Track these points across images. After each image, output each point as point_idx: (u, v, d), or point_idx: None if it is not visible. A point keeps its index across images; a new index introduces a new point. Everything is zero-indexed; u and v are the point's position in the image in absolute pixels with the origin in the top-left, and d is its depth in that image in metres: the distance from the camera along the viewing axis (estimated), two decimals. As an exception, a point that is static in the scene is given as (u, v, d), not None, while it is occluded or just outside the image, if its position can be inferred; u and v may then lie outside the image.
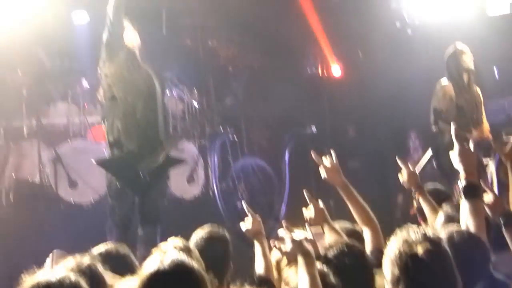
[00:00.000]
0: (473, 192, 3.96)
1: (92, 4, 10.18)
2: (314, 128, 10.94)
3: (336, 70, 12.31)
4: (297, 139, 10.71)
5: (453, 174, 7.95)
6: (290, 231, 3.70)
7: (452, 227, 4.00)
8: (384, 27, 10.87)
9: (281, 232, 3.70)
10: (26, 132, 9.77)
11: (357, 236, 4.81)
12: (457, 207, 4.37)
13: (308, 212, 4.92)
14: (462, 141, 7.18)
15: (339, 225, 4.97)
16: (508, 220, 4.23)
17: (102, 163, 7.08)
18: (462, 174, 3.96)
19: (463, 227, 3.98)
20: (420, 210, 5.41)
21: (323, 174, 5.01)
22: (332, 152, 5.07)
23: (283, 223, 3.80)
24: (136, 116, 6.61)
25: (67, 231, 8.13)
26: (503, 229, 4.19)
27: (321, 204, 4.95)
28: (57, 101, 10.29)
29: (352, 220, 5.07)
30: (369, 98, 12.08)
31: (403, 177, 5.39)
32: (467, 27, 9.60)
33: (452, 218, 4.53)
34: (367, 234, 4.79)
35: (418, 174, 5.44)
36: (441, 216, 4.80)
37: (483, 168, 8.04)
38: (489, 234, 4.11)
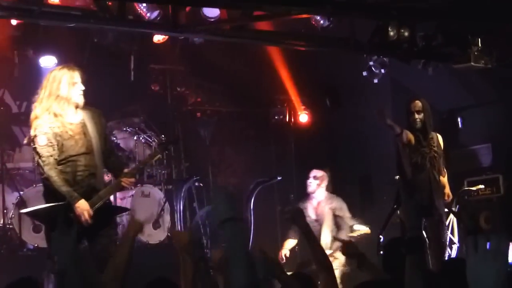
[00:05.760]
0: (414, 247, 4.00)
1: (60, 47, 10.34)
2: (279, 177, 11.12)
3: (303, 118, 12.55)
4: (262, 186, 10.86)
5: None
6: None
7: None
8: (351, 76, 11.14)
9: None
10: (-10, 176, 9.80)
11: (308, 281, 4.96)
12: None
13: None
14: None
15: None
16: None
17: (31, 212, 7.00)
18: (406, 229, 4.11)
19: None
20: None
21: (287, 216, 5.21)
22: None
23: None
24: (77, 170, 6.53)
25: (30, 274, 8.17)
26: None
27: None
28: (22, 145, 10.37)
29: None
30: (335, 145, 12.33)
31: None
32: (431, 78, 9.88)
33: None
34: (323, 278, 4.95)
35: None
36: None
37: (441, 218, 8.29)
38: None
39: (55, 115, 6.47)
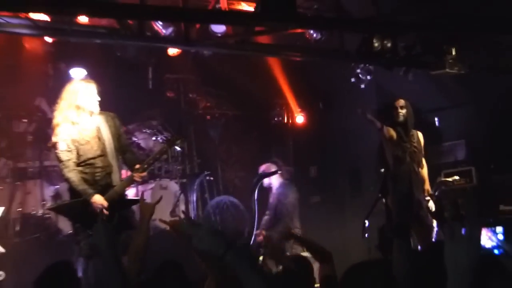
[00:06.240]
0: (400, 231, 4.00)
1: (88, 60, 10.37)
2: (279, 171, 11.13)
3: (300, 119, 12.55)
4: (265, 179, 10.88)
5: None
6: None
7: None
8: (341, 82, 11.15)
9: None
10: (30, 172, 9.89)
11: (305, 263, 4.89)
12: None
13: None
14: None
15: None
16: None
17: (55, 208, 7.04)
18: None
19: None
20: None
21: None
22: None
23: None
24: (95, 171, 6.56)
25: (65, 257, 8.20)
26: None
27: None
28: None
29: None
30: (328, 142, 12.34)
31: None
32: (411, 83, 9.89)
33: None
34: (323, 268, 4.90)
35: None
36: None
37: (421, 205, 8.26)
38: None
39: (73, 123, 6.49)
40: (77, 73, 10.31)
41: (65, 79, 10.60)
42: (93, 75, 10.49)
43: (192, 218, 10.16)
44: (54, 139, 6.54)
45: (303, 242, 5.09)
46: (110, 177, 6.56)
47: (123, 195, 6.69)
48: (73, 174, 6.40)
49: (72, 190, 6.52)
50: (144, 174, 6.74)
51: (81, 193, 6.41)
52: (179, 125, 9.49)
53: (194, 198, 10.69)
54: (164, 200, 10.09)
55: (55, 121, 6.56)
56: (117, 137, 6.67)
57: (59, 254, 8.34)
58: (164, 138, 10.74)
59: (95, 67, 10.41)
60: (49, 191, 9.61)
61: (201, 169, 11.42)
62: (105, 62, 10.67)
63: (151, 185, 10.23)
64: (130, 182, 6.77)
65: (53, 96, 10.89)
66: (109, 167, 6.56)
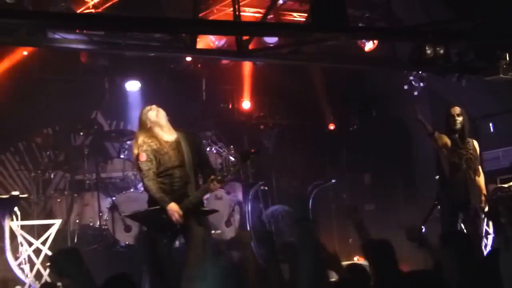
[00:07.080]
0: (449, 240, 3.91)
1: (142, 73, 10.53)
2: (333, 180, 11.07)
3: (352, 127, 12.46)
4: (319, 188, 10.84)
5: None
6: None
7: None
8: (394, 89, 11.06)
9: None
10: (88, 185, 10.04)
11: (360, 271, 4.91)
12: None
13: None
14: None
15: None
16: None
17: (132, 216, 7.28)
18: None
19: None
20: None
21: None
22: None
23: None
24: (173, 181, 6.78)
25: (122, 268, 8.29)
26: None
27: None
28: (113, 157, 10.54)
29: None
30: (382, 149, 12.24)
31: None
32: (465, 89, 9.76)
33: None
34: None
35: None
36: None
37: (477, 213, 8.12)
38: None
39: (152, 135, 6.69)
40: (132, 85, 10.47)
41: (120, 91, 10.85)
42: (147, 87, 10.69)
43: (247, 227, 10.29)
44: (135, 151, 6.86)
45: (359, 231, 5.09)
46: (186, 187, 6.81)
47: (198, 205, 6.85)
48: (151, 183, 6.71)
49: (151, 200, 6.79)
50: (218, 185, 6.90)
51: (158, 201, 6.60)
52: (239, 140, 9.50)
53: (249, 208, 10.71)
54: (219, 210, 10.19)
55: (137, 133, 6.90)
56: (196, 153, 6.90)
57: (117, 265, 8.47)
58: (218, 149, 10.82)
59: (149, 80, 10.58)
60: (106, 202, 9.73)
61: (256, 178, 11.43)
62: (159, 74, 10.81)
63: (207, 196, 10.26)
64: (204, 192, 6.98)
65: (109, 109, 11.22)
66: (187, 177, 6.83)
